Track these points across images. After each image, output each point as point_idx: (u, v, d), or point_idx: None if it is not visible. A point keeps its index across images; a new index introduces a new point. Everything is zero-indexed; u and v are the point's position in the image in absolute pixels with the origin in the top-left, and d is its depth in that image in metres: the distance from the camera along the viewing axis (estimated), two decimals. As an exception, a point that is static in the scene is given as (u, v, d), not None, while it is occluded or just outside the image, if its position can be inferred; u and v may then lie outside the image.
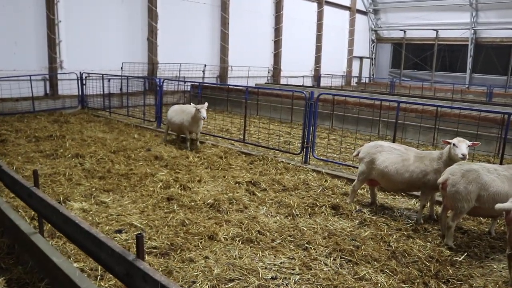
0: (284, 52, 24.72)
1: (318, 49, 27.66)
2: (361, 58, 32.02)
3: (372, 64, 33.70)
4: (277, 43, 24.37)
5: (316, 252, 5.02)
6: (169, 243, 4.92)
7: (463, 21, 28.41)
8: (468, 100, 20.02)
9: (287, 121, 15.03)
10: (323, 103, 13.92)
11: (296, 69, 25.99)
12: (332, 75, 27.97)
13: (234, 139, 10.89)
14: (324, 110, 14.04)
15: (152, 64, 17.95)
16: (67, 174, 7.38)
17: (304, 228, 5.66)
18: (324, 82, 27.99)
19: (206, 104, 9.46)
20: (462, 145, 5.70)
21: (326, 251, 5.06)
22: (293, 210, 6.28)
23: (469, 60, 28.73)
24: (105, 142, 10.18)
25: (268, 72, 24.49)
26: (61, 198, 6.22)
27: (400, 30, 31.78)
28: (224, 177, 7.80)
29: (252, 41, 22.77)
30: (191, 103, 10.03)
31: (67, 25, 15.12)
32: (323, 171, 8.36)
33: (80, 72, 14.82)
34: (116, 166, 8.12)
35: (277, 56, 24.53)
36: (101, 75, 14.69)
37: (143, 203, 6.28)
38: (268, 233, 5.41)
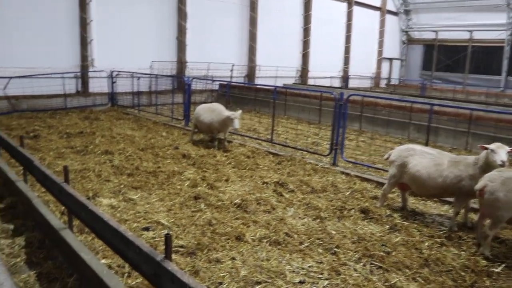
0: (313, 52, 24.51)
1: (347, 50, 27.28)
2: (390, 59, 31.41)
3: (402, 66, 32.98)
4: (306, 43, 24.17)
5: (345, 256, 4.88)
6: (196, 242, 4.89)
7: (499, 22, 27.41)
8: (504, 104, 19.26)
9: (315, 121, 14.85)
10: (352, 105, 13.65)
11: (324, 69, 25.70)
12: (360, 76, 27.53)
13: (262, 139, 10.80)
14: (353, 111, 13.75)
15: (181, 63, 18.10)
16: (96, 170, 7.48)
17: (333, 232, 5.52)
18: (352, 83, 27.59)
19: (240, 112, 9.41)
20: (501, 151, 5.43)
21: (356, 256, 4.91)
22: (321, 213, 6.15)
23: (505, 62, 27.70)
24: (133, 139, 10.29)
25: (296, 73, 24.32)
26: (91, 194, 6.29)
27: (432, 31, 30.97)
28: (252, 177, 7.73)
29: (280, 41, 22.66)
30: (220, 104, 10.04)
31: (99, 24, 15.42)
32: (352, 173, 8.17)
33: (111, 70, 15.09)
34: (144, 164, 8.18)
35: (305, 56, 24.33)
36: (131, 74, 14.90)
37: (170, 201, 6.28)
38: (296, 236, 5.30)
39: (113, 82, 15.24)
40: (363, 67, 28.72)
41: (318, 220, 5.96)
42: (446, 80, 30.67)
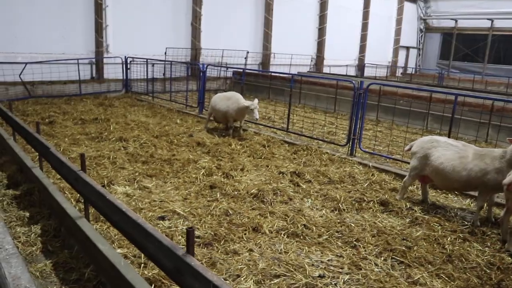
0: (328, 40, 24.10)
1: (363, 38, 26.77)
2: (407, 48, 30.79)
3: (419, 55, 32.31)
4: (321, 31, 23.76)
5: (365, 250, 4.74)
6: (212, 233, 4.79)
7: (522, 10, 26.62)
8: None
9: (331, 110, 14.60)
10: (370, 94, 13.39)
11: (340, 57, 25.29)
12: (376, 65, 27.03)
13: (277, 128, 10.63)
14: (371, 101, 13.45)
15: (195, 49, 17.92)
16: (111, 157, 7.42)
17: (352, 224, 5.38)
18: (368, 72, 27.12)
19: (257, 101, 9.24)
20: (531, 145, 5.21)
21: (376, 250, 4.77)
22: (339, 205, 6.00)
23: (527, 52, 26.91)
24: (148, 126, 10.22)
25: (311, 60, 23.97)
26: (105, 181, 6.23)
27: (451, 19, 30.19)
28: (267, 166, 7.60)
29: (296, 28, 22.30)
30: (236, 93, 9.88)
31: (114, 10, 15.29)
32: (370, 164, 7.99)
33: (125, 57, 15.00)
34: (159, 151, 8.10)
35: (320, 44, 23.94)
36: (145, 60, 14.79)
37: (185, 190, 6.19)
38: (314, 228, 5.17)
39: (127, 69, 15.16)
40: (379, 56, 28.18)
41: (336, 212, 5.82)
42: (464, 69, 29.99)
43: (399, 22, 29.01)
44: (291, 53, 22.00)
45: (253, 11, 20.42)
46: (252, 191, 6.14)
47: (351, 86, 14.31)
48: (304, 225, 5.21)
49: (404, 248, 4.80)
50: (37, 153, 5.88)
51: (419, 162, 6.08)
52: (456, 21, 30.14)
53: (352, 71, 26.70)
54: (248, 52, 19.87)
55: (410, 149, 6.37)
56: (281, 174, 7.20)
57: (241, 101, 9.46)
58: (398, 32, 29.18)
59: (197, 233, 4.80)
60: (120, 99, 14.16)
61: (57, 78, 13.72)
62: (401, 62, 30.65)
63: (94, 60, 15.00)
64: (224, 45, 18.81)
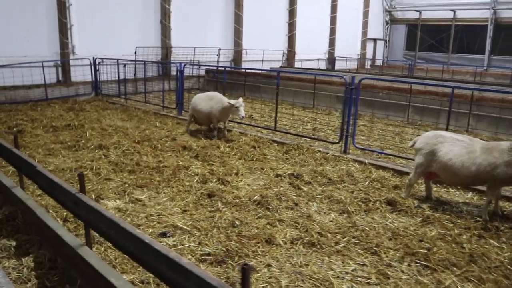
0: (299, 34, 23.90)
1: (332, 31, 26.78)
2: (375, 40, 31.12)
3: (386, 46, 32.75)
4: (292, 25, 23.53)
5: (387, 256, 4.47)
6: (223, 248, 4.38)
7: (482, 1, 27.38)
8: (495, 83, 19.21)
9: (309, 105, 14.38)
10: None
11: (311, 51, 25.19)
12: (346, 58, 27.13)
13: (264, 127, 10.24)
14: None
15: (166, 48, 17.25)
16: (94, 168, 6.83)
17: (366, 228, 5.10)
18: (338, 65, 27.19)
19: (241, 99, 8.83)
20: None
21: (397, 255, 4.51)
22: (346, 207, 5.72)
23: (488, 41, 27.77)
24: (126, 131, 9.61)
25: (283, 55, 23.72)
26: (93, 195, 5.67)
27: (416, 10, 30.74)
28: (262, 169, 7.23)
29: (266, 23, 21.96)
30: (217, 92, 9.43)
31: (78, 9, 14.43)
32: (366, 161, 7.76)
33: (94, 58, 14.17)
34: (144, 158, 7.56)
35: (291, 39, 23.72)
36: (115, 60, 14.04)
37: (182, 201, 5.73)
38: (329, 235, 4.85)
39: (96, 70, 14.34)
40: (348, 49, 28.28)
41: (345, 215, 5.54)
42: (429, 60, 30.63)
43: (365, 14, 29.24)
44: (263, 48, 21.65)
45: (223, 7, 19.92)
46: (255, 197, 5.75)
47: (333, 81, 14.32)
48: (318, 232, 4.88)
49: (424, 251, 4.57)
50: (14, 168, 5.26)
51: (425, 158, 5.88)
52: (420, 12, 30.70)
53: (322, 65, 26.67)
54: (220, 49, 19.37)
55: (413, 145, 6.17)
56: (278, 177, 6.85)
57: (224, 100, 9.03)
58: (365, 25, 29.42)
59: (206, 249, 4.37)
60: (90, 103, 13.37)
61: (20, 82, 12.77)
62: (369, 54, 30.95)
63: (59, 62, 14.09)
64: (195, 43, 18.23)
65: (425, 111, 12.23)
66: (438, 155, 5.71)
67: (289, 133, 9.60)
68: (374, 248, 4.60)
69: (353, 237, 4.85)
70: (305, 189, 6.40)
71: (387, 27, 32.49)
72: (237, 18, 20.27)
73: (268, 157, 8.04)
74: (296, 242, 4.65)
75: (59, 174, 6.63)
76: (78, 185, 3.42)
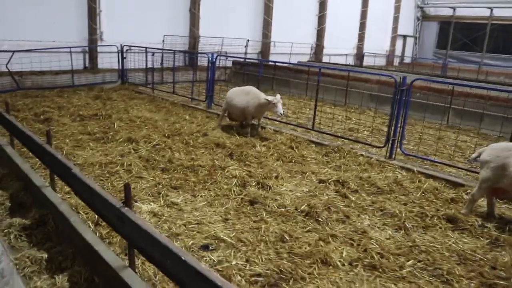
0: (328, 28, 23.12)
1: (362, 26, 25.90)
2: (404, 36, 30.07)
3: (416, 44, 31.65)
4: (321, 19, 22.77)
5: (460, 286, 3.91)
6: (276, 269, 3.87)
7: (522, -1, 26.12)
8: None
9: (341, 103, 13.69)
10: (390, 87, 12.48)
11: (339, 46, 24.39)
12: (375, 54, 26.26)
13: (299, 125, 9.64)
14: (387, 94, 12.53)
15: (194, 38, 16.74)
16: (125, 164, 6.38)
17: (430, 249, 4.53)
18: (366, 61, 26.32)
19: (279, 96, 8.28)
20: None
21: (472, 285, 3.94)
22: (402, 222, 5.15)
23: (526, 41, 26.51)
24: (155, 123, 9.18)
25: (311, 49, 23.01)
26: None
27: (449, 7, 29.55)
28: (304, 173, 6.69)
29: (296, 16, 21.25)
30: (253, 87, 8.91)
31: (108, -6, 14.03)
32: (415, 169, 7.14)
33: (121, 45, 13.76)
34: (176, 155, 7.10)
35: (320, 33, 22.97)
36: (143, 48, 13.61)
37: (222, 207, 5.24)
38: (391, 256, 4.30)
39: (123, 58, 13.93)
40: (376, 45, 27.34)
41: (402, 232, 4.98)
42: (461, 59, 29.43)
43: (397, 9, 28.19)
44: (291, 41, 20.97)
45: (253, -4, 19.31)
46: (302, 207, 5.23)
47: (374, 79, 13.60)
48: (379, 253, 4.33)
49: (503, 283, 3.99)
50: (44, 165, 4.85)
51: (494, 173, 5.25)
52: (454, 9, 29.51)
53: (350, 60, 25.85)
54: (248, 41, 18.79)
55: (478, 157, 5.54)
56: (322, 183, 6.31)
57: (261, 96, 8.50)
58: (396, 20, 28.39)
59: (257, 269, 3.88)
60: (117, 91, 12.99)
61: (48, 68, 12.44)
62: (397, 51, 29.93)
63: (87, 48, 13.73)
64: (223, 33, 17.67)
65: (465, 114, 11.47)
66: (510, 170, 5.08)
67: (329, 134, 8.98)
68: (445, 276, 4.03)
69: (418, 261, 4.29)
70: (353, 198, 5.85)
71: (418, 24, 31.36)
72: (267, 8, 19.62)
73: (307, 159, 7.49)
74: (356, 264, 4.11)
75: (88, 169, 6.22)
76: (122, 194, 2.93)
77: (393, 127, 7.61)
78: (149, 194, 5.42)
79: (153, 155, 7.00)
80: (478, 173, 7.04)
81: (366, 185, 6.39)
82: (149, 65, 13.76)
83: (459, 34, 29.78)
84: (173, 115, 10.41)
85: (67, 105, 10.45)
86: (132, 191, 5.22)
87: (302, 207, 5.23)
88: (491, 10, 27.75)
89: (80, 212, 4.60)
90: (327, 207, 5.33)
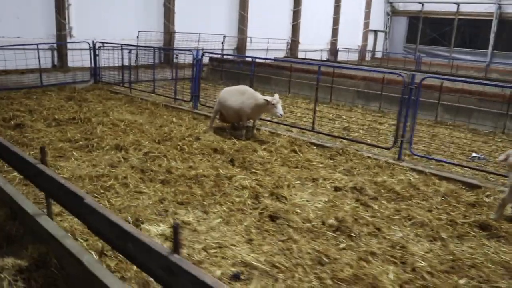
0: (302, 23, 22.76)
1: (336, 21, 25.74)
2: (375, 31, 30.21)
3: (386, 38, 31.92)
4: (296, 13, 22.37)
5: (523, 309, 3.53)
6: (326, 301, 3.35)
7: (488, -5, 26.78)
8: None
9: (325, 100, 13.27)
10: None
11: (314, 42, 24.10)
12: (349, 49, 26.19)
13: (302, 128, 9.06)
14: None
15: (170, 33, 15.89)
16: (119, 177, 5.66)
17: (475, 263, 4.14)
18: (340, 56, 26.21)
19: (277, 96, 7.73)
20: None
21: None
22: (435, 232, 4.76)
23: (492, 36, 27.21)
24: (141, 127, 8.43)
25: (286, 45, 22.57)
26: (130, 217, 4.54)
27: (418, 2, 29.93)
28: (315, 180, 6.19)
29: (271, 11, 20.74)
30: (247, 87, 8.32)
31: (76, -14, 12.98)
32: (427, 171, 6.81)
33: (94, 41, 12.77)
34: (173, 163, 6.43)
35: (295, 28, 22.58)
36: (117, 45, 12.70)
37: (240, 224, 4.65)
38: (441, 275, 3.87)
39: (96, 55, 12.95)
40: (349, 40, 27.31)
41: (439, 243, 4.58)
42: (430, 53, 29.91)
43: (368, 5, 28.27)
44: (267, 37, 20.45)
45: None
46: (329, 221, 4.72)
47: (361, 76, 13.18)
48: (428, 272, 3.89)
49: None
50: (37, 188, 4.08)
51: (526, 175, 4.96)
52: (422, 4, 29.91)
53: (324, 56, 25.66)
54: (225, 37, 18.11)
55: (506, 159, 5.23)
56: (339, 191, 5.84)
57: (257, 96, 7.95)
58: (367, 15, 28.46)
59: (304, 303, 3.33)
60: (90, 92, 12.02)
61: (13, 66, 11.32)
62: (369, 46, 30.05)
63: (55, 45, 12.65)
64: (198, 29, 16.90)
65: (459, 110, 11.31)
66: (545, 173, 4.79)
67: (332, 135, 8.50)
68: (506, 297, 3.65)
69: (471, 278, 3.89)
70: (375, 206, 5.41)
71: (388, 19, 31.61)
72: (243, 3, 18.98)
73: (313, 163, 7.00)
74: (408, 287, 3.65)
75: (77, 183, 5.45)
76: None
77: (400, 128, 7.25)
78: (155, 213, 4.75)
79: (147, 164, 6.30)
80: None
81: (383, 190, 5.98)
82: (128, 63, 12.86)
83: (428, 29, 30.26)
84: (158, 117, 9.66)
85: (38, 108, 9.48)
86: (135, 210, 4.56)
87: (330, 221, 4.73)
88: (458, 6, 28.31)
89: (79, 239, 3.90)
90: (354, 219, 4.85)
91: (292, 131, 8.97)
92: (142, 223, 4.48)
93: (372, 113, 11.90)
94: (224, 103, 8.18)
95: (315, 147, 7.94)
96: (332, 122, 10.28)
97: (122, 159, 6.55)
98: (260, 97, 7.85)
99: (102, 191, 5.24)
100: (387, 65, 24.01)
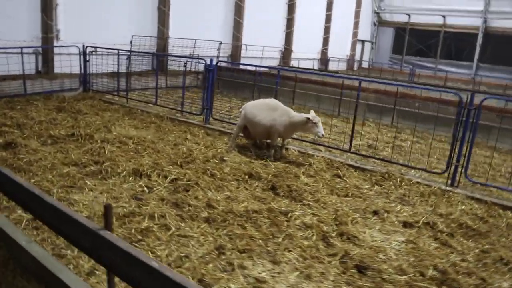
0: (295, 31, 22.11)
1: (327, 30, 25.25)
2: (363, 41, 30.01)
3: (372, 48, 31.78)
4: (290, 21, 21.66)
5: None
6: None
7: (474, 9, 26.99)
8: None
9: (333, 113, 12.50)
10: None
11: (306, 50, 23.50)
12: (339, 58, 25.77)
13: (338, 148, 8.13)
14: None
15: (164, 39, 14.80)
16: (156, 215, 4.62)
17: None
18: (330, 66, 25.76)
19: (313, 113, 6.91)
20: None
21: None
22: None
23: (477, 49, 27.46)
24: (154, 146, 7.37)
25: (279, 53, 21.85)
26: (189, 275, 3.53)
27: (405, 14, 29.95)
28: (376, 213, 5.35)
29: (266, 19, 19.94)
30: (277, 100, 7.45)
31: (65, -15, 11.75)
32: (488, 199, 6.10)
33: (84, 46, 11.54)
34: (209, 194, 5.44)
35: (289, 36, 21.87)
36: (112, 50, 11.55)
37: (326, 279, 3.73)
38: None
39: (86, 61, 11.71)
40: (339, 49, 26.91)
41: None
42: (416, 64, 29.91)
43: (357, 14, 28.02)
44: (262, 44, 19.65)
45: (223, -5, 17.72)
46: (429, 272, 3.88)
47: (373, 89, 12.42)
48: None
49: None
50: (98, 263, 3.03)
51: None
52: (409, 16, 29.94)
53: (315, 65, 25.11)
54: (221, 43, 17.16)
55: None
56: (410, 228, 5.02)
57: (291, 112, 7.09)
58: (356, 25, 28.19)
59: None
60: (81, 101, 10.77)
61: (-7, 73, 10.00)
62: (356, 55, 29.80)
63: (40, 49, 11.35)
64: (193, 34, 15.88)
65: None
66: None
67: (377, 158, 7.65)
68: None
69: None
70: (458, 247, 4.64)
71: (375, 29, 31.51)
72: (238, 9, 18.10)
73: (363, 191, 6.17)
74: None
75: (101, 222, 4.37)
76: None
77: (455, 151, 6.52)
78: (218, 268, 3.76)
79: (180, 196, 5.28)
80: None
81: (453, 225, 5.21)
82: (115, 69, 11.70)
83: (414, 40, 30.30)
84: (167, 132, 8.61)
85: (27, 121, 8.24)
86: (194, 265, 3.58)
87: (430, 272, 3.88)
88: (444, 18, 28.47)
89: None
90: (452, 267, 4.03)
91: (320, 150, 8.13)
92: (204, 278, 3.49)
93: (386, 128, 11.29)
94: (253, 120, 7.23)
95: (353, 169, 7.12)
96: (355, 139, 9.50)
97: (145, 189, 5.50)
98: (294, 114, 6.99)
99: (139, 236, 4.18)
100: (380, 75, 23.70)
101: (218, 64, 15.95)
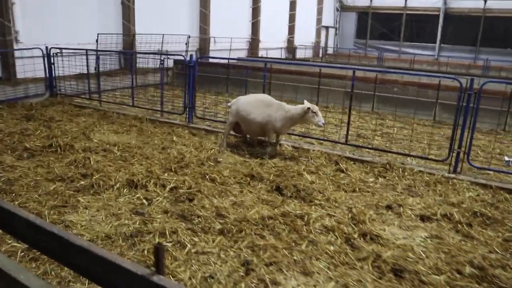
0: (261, 21, 21.77)
1: (292, 18, 25.04)
2: (327, 28, 30.05)
3: (336, 34, 31.92)
4: (256, 11, 21.31)
5: None
6: None
7: (433, -10, 27.58)
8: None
9: (311, 102, 12.33)
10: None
11: (272, 40, 23.21)
12: (305, 46, 25.67)
13: (334, 141, 7.89)
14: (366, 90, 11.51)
15: (131, 35, 14.08)
16: (167, 232, 4.22)
17: None
18: (298, 54, 25.64)
19: (307, 102, 6.66)
20: None
21: None
22: None
23: (439, 30, 28.11)
24: (141, 151, 6.89)
25: (246, 44, 21.45)
26: (222, 301, 3.20)
27: (366, -2, 30.24)
28: (390, 207, 5.18)
29: (232, 9, 19.50)
30: (268, 95, 7.11)
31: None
32: (493, 184, 6.08)
33: (47, 47, 10.74)
34: (215, 201, 5.08)
35: (255, 26, 21.52)
36: (80, 51, 10.82)
37: (364, 289, 3.50)
38: None
39: (51, 64, 10.91)
40: (304, 37, 26.81)
41: None
42: (380, 48, 30.36)
43: (320, 0, 27.94)
44: (230, 36, 19.20)
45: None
46: (466, 269, 3.72)
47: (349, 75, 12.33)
48: None
49: None
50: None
51: None
52: (371, 0, 30.21)
53: (283, 54, 24.91)
54: (189, 37, 16.57)
55: None
56: (429, 221, 4.88)
57: (286, 107, 6.81)
58: (320, 11, 28.14)
59: None
60: (50, 107, 10.05)
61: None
62: (322, 42, 29.82)
63: (-1, 53, 10.49)
64: (161, 29, 15.24)
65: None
66: None
67: (373, 148, 7.51)
68: None
69: None
70: (481, 238, 4.53)
71: (338, 15, 31.61)
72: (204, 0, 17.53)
73: (369, 184, 5.99)
74: None
75: (109, 247, 3.96)
76: None
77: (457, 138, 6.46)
78: None
79: (185, 206, 4.89)
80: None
81: (467, 214, 5.11)
82: (97, 71, 11.02)
83: (377, 24, 30.63)
84: (150, 135, 8.12)
85: (-5, 134, 7.54)
86: (213, 284, 3.26)
87: (467, 269, 3.73)
88: (406, 1, 28.91)
89: None
90: (489, 262, 3.90)
91: (313, 143, 7.91)
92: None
93: (368, 115, 11.23)
94: (247, 117, 6.88)
95: (352, 161, 6.94)
96: (340, 128, 9.35)
97: (144, 201, 5.08)
98: (290, 107, 6.71)
99: (150, 256, 3.79)
100: (349, 61, 23.82)
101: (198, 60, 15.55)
